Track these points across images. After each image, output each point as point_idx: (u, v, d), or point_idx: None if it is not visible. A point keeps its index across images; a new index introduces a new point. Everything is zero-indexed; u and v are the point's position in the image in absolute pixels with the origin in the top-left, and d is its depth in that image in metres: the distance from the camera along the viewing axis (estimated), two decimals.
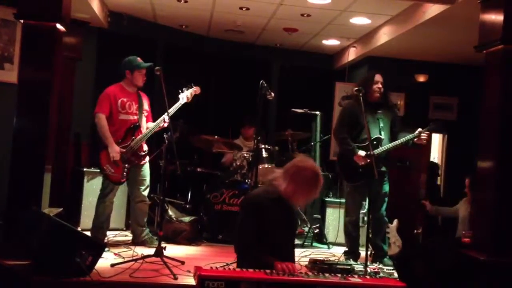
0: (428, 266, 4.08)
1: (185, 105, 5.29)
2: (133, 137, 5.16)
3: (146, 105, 5.35)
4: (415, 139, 4.87)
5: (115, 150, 5.03)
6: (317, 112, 7.43)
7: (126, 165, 5.09)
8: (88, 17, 6.44)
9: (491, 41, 4.13)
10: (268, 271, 3.06)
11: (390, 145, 4.95)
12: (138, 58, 5.25)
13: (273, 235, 3.32)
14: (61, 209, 4.91)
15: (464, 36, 5.74)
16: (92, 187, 6.02)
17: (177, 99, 5.27)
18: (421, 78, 7.58)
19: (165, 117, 5.07)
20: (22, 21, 4.56)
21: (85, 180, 6.08)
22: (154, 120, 5.37)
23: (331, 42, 7.88)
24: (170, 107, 5.06)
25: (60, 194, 5.71)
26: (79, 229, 5.39)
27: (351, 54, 7.82)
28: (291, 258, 3.44)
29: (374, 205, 5.05)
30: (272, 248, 3.29)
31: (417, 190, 6.90)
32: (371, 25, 6.73)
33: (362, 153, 4.87)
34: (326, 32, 7.30)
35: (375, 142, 4.95)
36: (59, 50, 4.86)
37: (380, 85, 5.03)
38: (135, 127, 5.18)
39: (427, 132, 4.85)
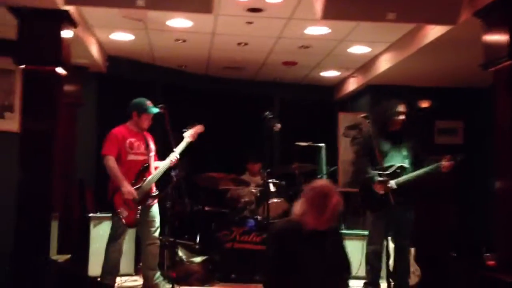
0: None
1: (188, 144, 5.22)
2: (144, 178, 5.06)
3: (152, 145, 5.28)
4: (441, 168, 4.75)
5: (129, 190, 4.91)
6: (322, 144, 7.36)
7: (139, 207, 4.97)
8: (87, 62, 6.44)
9: (498, 58, 4.08)
10: None
11: (413, 174, 4.85)
12: (148, 102, 5.15)
13: (297, 265, 3.17)
14: (69, 256, 4.79)
15: (466, 57, 5.72)
16: (98, 233, 5.87)
17: (179, 139, 5.19)
18: (425, 104, 7.54)
19: (173, 156, 4.98)
20: (22, 66, 4.55)
21: (92, 226, 5.95)
22: (159, 159, 5.29)
23: (331, 74, 7.87)
24: (173, 146, 4.99)
25: (67, 242, 5.57)
26: None
27: (352, 84, 7.82)
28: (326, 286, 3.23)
29: (398, 234, 4.97)
30: (301, 279, 3.14)
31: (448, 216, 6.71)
32: (371, 53, 6.73)
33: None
34: (326, 63, 7.29)
35: (398, 171, 4.88)
36: (60, 94, 4.85)
37: (403, 116, 4.96)
38: (146, 168, 5.08)
39: (451, 162, 4.71)
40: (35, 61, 4.55)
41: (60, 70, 4.67)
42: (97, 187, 6.65)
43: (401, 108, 4.98)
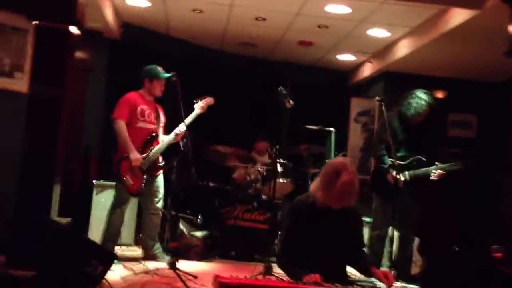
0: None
1: (197, 119, 5.14)
2: (152, 147, 4.99)
3: (162, 117, 5.21)
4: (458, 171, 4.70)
5: (137, 157, 4.85)
6: (332, 129, 7.26)
7: (145, 176, 4.90)
8: (101, 26, 6.33)
9: None
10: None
11: (430, 168, 4.76)
12: (159, 68, 5.10)
13: (309, 240, 3.11)
14: (70, 218, 4.75)
15: (487, 48, 5.61)
16: (101, 200, 5.81)
17: (190, 111, 5.11)
18: (439, 95, 7.40)
19: (182, 126, 4.90)
20: (35, 22, 4.46)
21: (94, 192, 5.88)
22: (166, 133, 5.22)
23: (346, 58, 7.73)
24: (183, 116, 4.91)
25: (69, 207, 5.53)
26: None
27: (367, 70, 7.69)
28: (337, 265, 3.15)
29: (403, 222, 4.93)
30: (313, 254, 3.07)
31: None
32: (390, 38, 6.58)
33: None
34: (342, 46, 7.16)
35: (414, 163, 4.83)
36: (71, 55, 4.77)
37: (426, 117, 4.83)
38: (154, 137, 5.01)
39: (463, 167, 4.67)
40: (48, 18, 4.45)
41: (73, 29, 4.59)
42: (102, 154, 6.59)
43: (429, 107, 4.78)
